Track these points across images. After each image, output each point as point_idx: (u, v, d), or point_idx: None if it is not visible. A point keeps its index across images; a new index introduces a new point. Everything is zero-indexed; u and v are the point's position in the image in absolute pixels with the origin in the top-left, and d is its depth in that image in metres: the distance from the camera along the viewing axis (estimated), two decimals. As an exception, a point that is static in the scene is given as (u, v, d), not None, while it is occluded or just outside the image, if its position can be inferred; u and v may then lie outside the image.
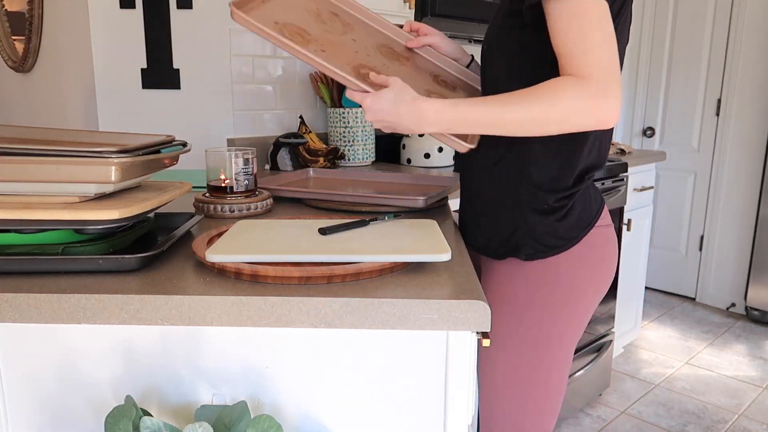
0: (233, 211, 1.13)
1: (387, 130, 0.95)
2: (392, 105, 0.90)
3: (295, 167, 1.92)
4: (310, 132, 2.06)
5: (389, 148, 2.24)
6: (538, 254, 1.01)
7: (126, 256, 0.80)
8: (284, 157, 1.92)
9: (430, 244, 0.83)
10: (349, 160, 2.05)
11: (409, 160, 2.08)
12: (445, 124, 0.89)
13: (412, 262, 0.83)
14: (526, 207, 1.01)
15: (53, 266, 0.79)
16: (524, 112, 0.86)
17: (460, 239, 1.01)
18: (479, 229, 1.08)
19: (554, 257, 1.01)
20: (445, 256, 0.79)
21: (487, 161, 1.04)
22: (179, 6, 1.89)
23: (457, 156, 1.10)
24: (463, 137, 0.94)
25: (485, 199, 1.06)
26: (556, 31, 0.86)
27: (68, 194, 0.83)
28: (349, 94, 0.95)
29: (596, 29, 0.84)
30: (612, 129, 1.00)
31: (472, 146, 0.95)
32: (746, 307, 3.23)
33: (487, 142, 0.99)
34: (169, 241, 0.86)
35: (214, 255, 0.77)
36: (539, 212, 1.00)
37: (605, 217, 1.06)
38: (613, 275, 1.08)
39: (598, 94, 0.83)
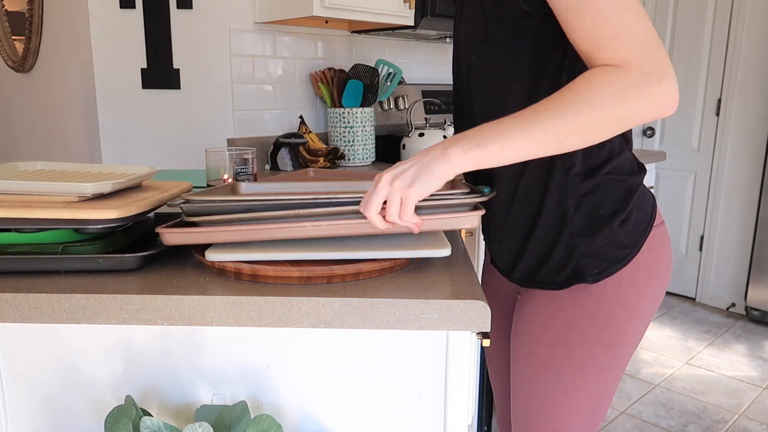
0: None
1: (412, 174, 0.72)
2: (418, 155, 0.75)
3: (295, 167, 1.92)
4: (310, 132, 2.06)
5: (389, 148, 2.24)
6: (604, 273, 0.88)
7: (126, 255, 0.80)
8: (284, 157, 1.92)
9: (430, 240, 0.83)
10: (349, 160, 2.05)
11: (409, 160, 2.08)
12: (471, 157, 0.72)
13: (413, 263, 0.83)
14: (578, 218, 0.87)
15: (53, 265, 0.79)
16: (558, 119, 0.70)
17: (459, 238, 1.01)
18: (520, 259, 0.95)
19: (619, 271, 0.88)
20: (445, 252, 0.78)
21: (511, 177, 0.90)
22: (179, 6, 1.89)
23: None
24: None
25: (519, 221, 0.92)
26: (568, 21, 0.73)
27: (67, 194, 0.83)
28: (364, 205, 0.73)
29: (619, 4, 0.69)
30: None
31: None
32: (746, 307, 3.23)
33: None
34: None
35: (214, 254, 0.77)
36: (596, 221, 0.87)
37: (659, 215, 0.93)
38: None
39: (645, 80, 0.69)
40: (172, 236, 0.77)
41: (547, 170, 0.87)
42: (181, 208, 0.79)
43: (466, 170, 0.73)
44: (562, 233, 0.88)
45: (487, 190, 0.86)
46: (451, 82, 2.70)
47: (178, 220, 0.85)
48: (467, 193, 0.80)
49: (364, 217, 0.74)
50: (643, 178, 0.91)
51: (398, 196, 0.71)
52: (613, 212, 0.87)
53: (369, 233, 0.77)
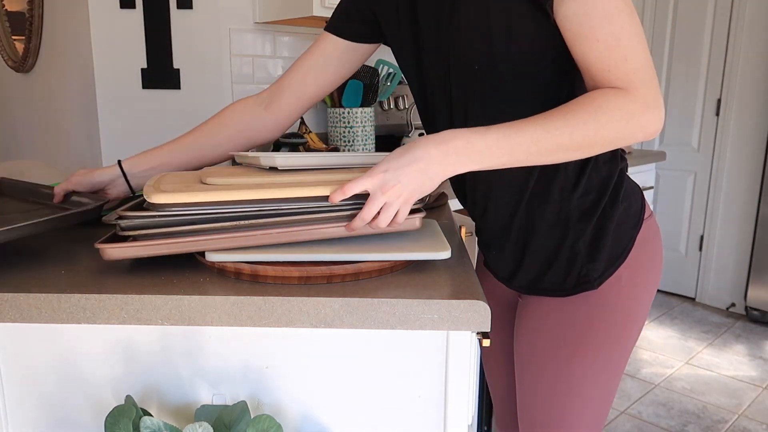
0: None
1: (409, 198, 0.74)
2: (402, 159, 0.73)
3: (295, 167, 1.92)
4: (310, 132, 2.06)
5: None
6: (606, 275, 0.89)
7: None
8: (284, 157, 1.92)
9: (430, 242, 0.83)
10: (349, 160, 2.05)
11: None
12: (476, 156, 0.73)
13: (413, 262, 0.83)
14: (579, 225, 0.89)
15: None
16: (568, 135, 0.72)
17: (459, 238, 1.01)
18: (520, 267, 0.96)
19: (617, 270, 0.90)
20: (445, 254, 0.78)
21: (513, 190, 0.91)
22: (179, 6, 1.89)
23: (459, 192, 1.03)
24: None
25: (520, 232, 0.93)
26: (581, 37, 0.74)
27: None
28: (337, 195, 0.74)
29: (631, 31, 0.72)
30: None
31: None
32: (746, 307, 3.23)
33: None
34: None
35: (214, 254, 0.77)
36: (595, 227, 0.89)
37: (647, 208, 0.95)
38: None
39: (645, 107, 0.73)
40: (114, 251, 0.73)
41: (547, 184, 0.89)
42: (118, 224, 0.74)
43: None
44: (565, 240, 0.90)
45: None
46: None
47: (112, 233, 0.80)
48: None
49: (308, 224, 0.77)
50: (622, 169, 0.92)
51: (396, 207, 0.75)
52: (608, 213, 0.89)
53: (314, 238, 0.78)
